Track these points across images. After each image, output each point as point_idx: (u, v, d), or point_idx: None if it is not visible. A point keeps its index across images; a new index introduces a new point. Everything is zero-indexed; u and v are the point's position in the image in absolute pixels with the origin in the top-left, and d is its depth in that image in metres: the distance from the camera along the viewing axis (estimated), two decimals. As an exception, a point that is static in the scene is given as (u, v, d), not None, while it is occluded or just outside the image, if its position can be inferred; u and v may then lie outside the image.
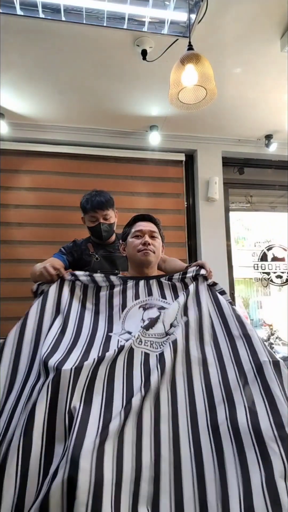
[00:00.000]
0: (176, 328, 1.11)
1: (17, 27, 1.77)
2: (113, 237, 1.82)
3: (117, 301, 1.27)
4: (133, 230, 1.41)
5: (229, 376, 0.99)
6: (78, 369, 0.88)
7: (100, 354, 1.01)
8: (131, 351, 1.01)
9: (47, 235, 2.68)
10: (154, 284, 1.34)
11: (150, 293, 1.30)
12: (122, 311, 1.23)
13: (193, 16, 1.72)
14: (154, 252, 1.37)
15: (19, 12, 1.69)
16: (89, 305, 1.27)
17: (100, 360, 0.93)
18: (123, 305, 1.25)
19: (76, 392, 0.85)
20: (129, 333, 1.12)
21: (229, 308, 1.19)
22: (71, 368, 0.88)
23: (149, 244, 1.35)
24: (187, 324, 1.13)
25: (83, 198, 1.77)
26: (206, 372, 1.01)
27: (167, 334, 1.10)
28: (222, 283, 2.77)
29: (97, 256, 1.72)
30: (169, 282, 1.35)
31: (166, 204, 2.93)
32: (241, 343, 1.07)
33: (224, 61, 2.04)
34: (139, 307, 1.24)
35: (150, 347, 1.05)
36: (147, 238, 1.37)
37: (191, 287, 1.27)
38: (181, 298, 1.22)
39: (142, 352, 1.02)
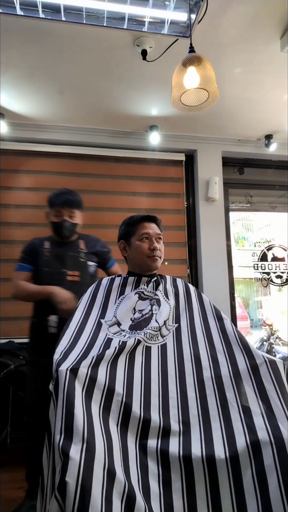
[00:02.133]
0: (167, 335, 1.14)
1: (17, 27, 1.77)
2: (75, 237, 1.78)
3: (115, 290, 1.31)
4: (139, 231, 1.38)
5: (222, 374, 1.00)
6: (74, 370, 0.88)
7: (89, 342, 1.06)
8: (132, 352, 1.03)
9: (47, 235, 2.68)
10: (152, 279, 1.37)
11: (148, 285, 1.34)
12: (119, 297, 1.28)
13: (193, 16, 1.72)
14: (160, 257, 1.38)
15: (19, 12, 1.69)
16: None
17: (97, 361, 0.94)
18: (121, 293, 1.29)
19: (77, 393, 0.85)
20: (119, 324, 1.16)
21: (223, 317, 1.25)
22: (67, 369, 0.88)
23: (158, 249, 1.36)
24: (178, 330, 1.16)
25: (52, 193, 1.75)
26: (198, 367, 1.03)
27: (159, 329, 1.15)
28: (222, 283, 2.80)
29: (46, 253, 1.68)
30: (163, 282, 1.39)
31: (166, 204, 2.93)
32: (236, 346, 1.09)
33: (224, 61, 2.04)
34: (135, 293, 1.28)
35: (144, 335, 1.09)
36: (155, 243, 1.36)
37: (181, 290, 1.34)
38: (172, 300, 1.27)
39: (135, 339, 1.06)
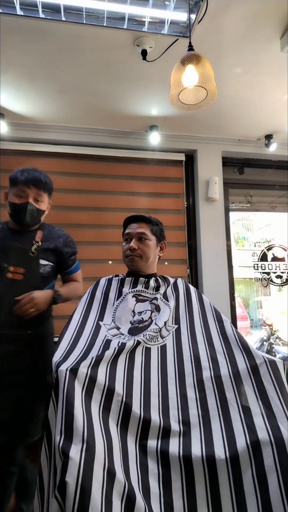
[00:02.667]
0: (167, 336, 1.14)
1: (17, 27, 1.77)
2: (36, 227, 1.47)
3: (113, 290, 1.31)
4: (124, 233, 1.42)
5: (222, 374, 1.00)
6: (74, 370, 0.88)
7: (88, 343, 1.06)
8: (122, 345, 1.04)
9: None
10: (151, 280, 1.36)
11: (146, 286, 1.33)
12: (117, 299, 1.27)
13: (193, 16, 1.72)
14: (141, 257, 1.35)
15: (19, 12, 1.69)
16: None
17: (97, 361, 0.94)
18: (119, 294, 1.29)
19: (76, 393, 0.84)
20: (118, 328, 1.15)
21: (222, 316, 1.25)
22: (67, 369, 0.88)
23: (134, 249, 1.34)
24: (178, 331, 1.16)
25: (17, 169, 1.47)
26: (198, 368, 1.03)
27: (160, 330, 1.14)
28: (222, 283, 2.80)
29: None
30: (165, 283, 1.38)
31: (166, 204, 2.93)
32: (236, 347, 1.09)
33: (224, 61, 2.04)
34: (133, 296, 1.27)
35: (143, 337, 1.09)
36: (132, 243, 1.34)
37: (181, 291, 1.33)
38: (172, 302, 1.27)
39: (135, 340, 1.06)
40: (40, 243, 1.40)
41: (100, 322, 1.17)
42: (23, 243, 1.38)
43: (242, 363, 1.02)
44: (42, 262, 1.40)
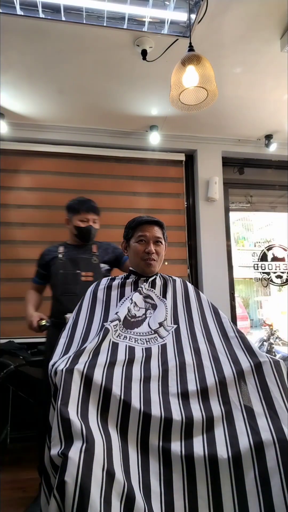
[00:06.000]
0: (166, 336, 1.13)
1: (17, 27, 1.77)
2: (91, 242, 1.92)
3: (115, 293, 1.31)
4: (137, 233, 1.38)
5: (224, 371, 0.99)
6: (69, 371, 0.89)
7: (84, 333, 1.09)
8: (114, 345, 1.03)
9: (47, 235, 2.68)
10: (150, 279, 1.37)
11: (146, 283, 1.34)
12: (119, 300, 1.27)
13: (193, 16, 1.72)
14: (156, 261, 1.36)
15: (19, 12, 1.69)
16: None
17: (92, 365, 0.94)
18: (121, 295, 1.29)
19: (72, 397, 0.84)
20: (119, 320, 1.16)
21: (219, 312, 1.26)
22: (62, 369, 0.88)
23: (153, 253, 1.34)
24: (177, 331, 1.15)
25: (74, 201, 1.86)
26: (200, 365, 1.02)
27: (155, 332, 1.14)
28: (222, 283, 2.80)
29: (60, 256, 1.78)
30: (161, 281, 1.39)
31: (166, 204, 2.93)
32: (238, 346, 1.08)
33: (224, 61, 2.04)
34: (132, 290, 1.30)
35: (135, 342, 1.08)
36: (151, 247, 1.34)
37: (179, 290, 1.33)
38: (169, 301, 1.27)
39: (126, 345, 1.05)
40: (97, 253, 1.82)
41: (105, 324, 1.18)
42: (86, 254, 1.80)
43: (245, 361, 1.01)
44: (101, 265, 1.81)
